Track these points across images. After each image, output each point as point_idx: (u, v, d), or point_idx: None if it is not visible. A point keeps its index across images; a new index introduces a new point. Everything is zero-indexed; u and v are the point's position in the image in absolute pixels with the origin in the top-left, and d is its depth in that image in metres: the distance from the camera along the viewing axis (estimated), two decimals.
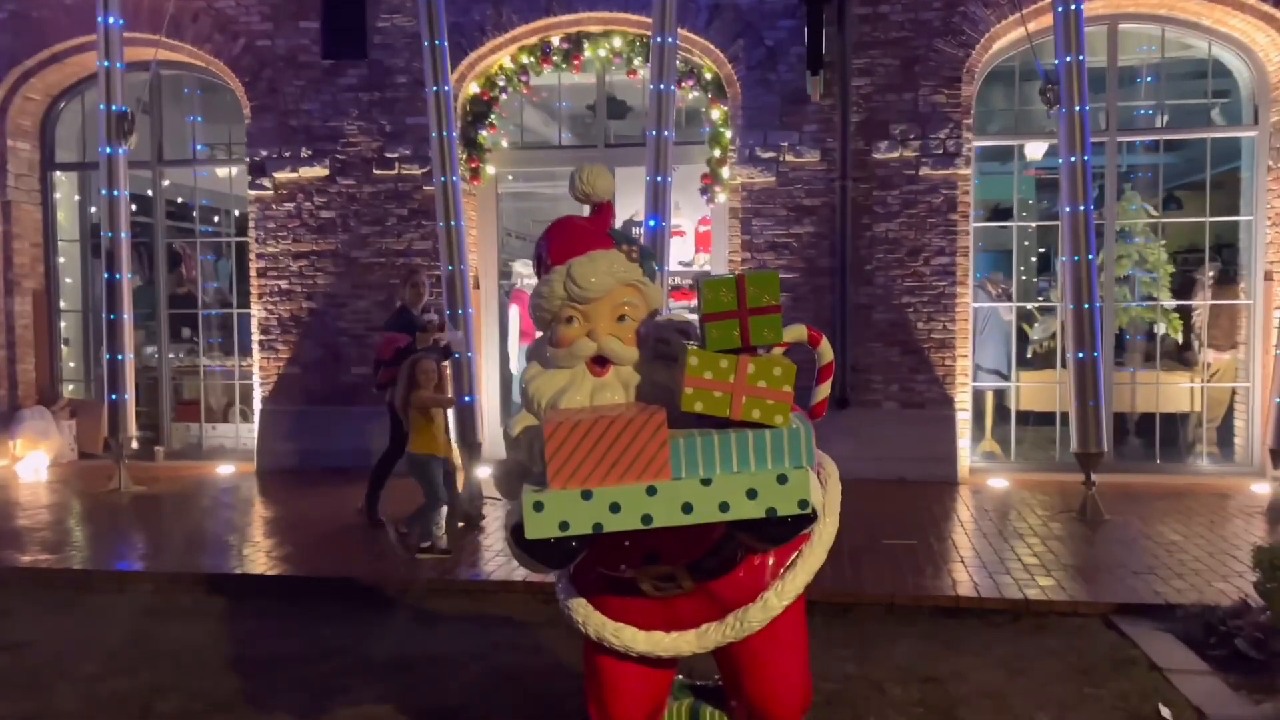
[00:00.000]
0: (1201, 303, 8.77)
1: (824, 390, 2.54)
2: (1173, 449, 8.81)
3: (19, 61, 9.52)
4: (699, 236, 10.83)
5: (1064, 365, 8.77)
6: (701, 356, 2.29)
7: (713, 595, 2.64)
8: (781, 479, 2.26)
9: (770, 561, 2.67)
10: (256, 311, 9.34)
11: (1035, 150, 9.09)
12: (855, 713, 3.89)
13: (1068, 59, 6.67)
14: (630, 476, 2.26)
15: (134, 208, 9.87)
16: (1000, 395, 9.21)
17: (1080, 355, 6.73)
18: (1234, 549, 6.01)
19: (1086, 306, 6.69)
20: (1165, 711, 3.83)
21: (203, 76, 9.79)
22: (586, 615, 2.70)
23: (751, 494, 2.27)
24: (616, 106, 9.69)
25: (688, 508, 2.27)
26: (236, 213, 10.48)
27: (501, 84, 9.08)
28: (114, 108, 8.27)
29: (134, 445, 8.69)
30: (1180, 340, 9.09)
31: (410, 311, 7.03)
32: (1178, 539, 6.30)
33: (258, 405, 9.33)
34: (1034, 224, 10.58)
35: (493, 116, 9.12)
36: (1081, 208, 6.67)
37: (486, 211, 9.41)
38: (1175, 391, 8.87)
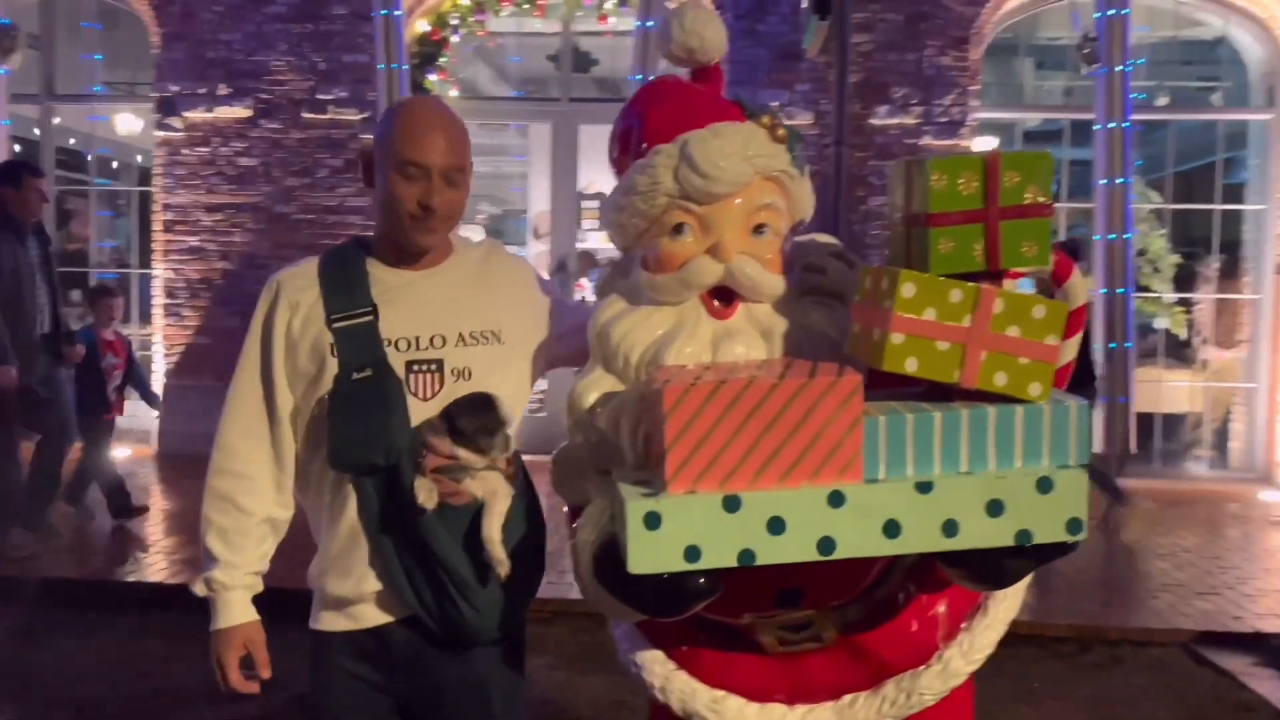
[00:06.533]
0: (1204, 296, 8.25)
1: (1070, 349, 1.67)
2: (1172, 453, 8.28)
3: None
4: None
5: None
6: (921, 282, 1.41)
7: (862, 652, 1.78)
8: (1043, 484, 1.43)
9: (942, 608, 1.81)
10: (161, 272, 8.12)
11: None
12: None
13: (1110, 12, 5.99)
14: (801, 474, 1.40)
15: (18, 149, 8.57)
16: None
17: (1113, 346, 6.07)
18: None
19: (1120, 292, 6.03)
20: None
21: (103, 0, 8.49)
22: (667, 679, 1.81)
23: (995, 508, 1.43)
24: (580, 60, 8.76)
25: (892, 529, 1.42)
26: (139, 159, 9.21)
27: (454, 23, 8.03)
28: None
29: None
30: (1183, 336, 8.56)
31: None
32: (1203, 552, 5.68)
33: (160, 380, 8.12)
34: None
35: (443, 59, 8.07)
36: (1119, 180, 6.00)
37: None
38: (1174, 391, 8.33)
